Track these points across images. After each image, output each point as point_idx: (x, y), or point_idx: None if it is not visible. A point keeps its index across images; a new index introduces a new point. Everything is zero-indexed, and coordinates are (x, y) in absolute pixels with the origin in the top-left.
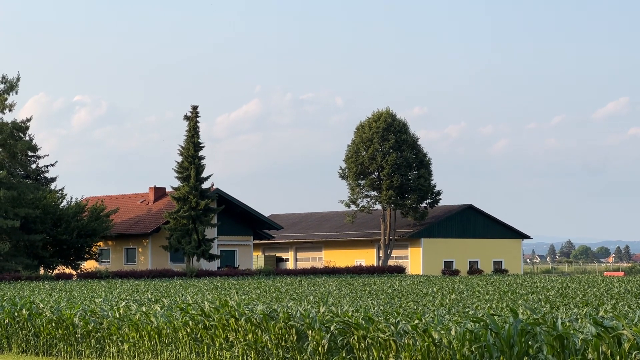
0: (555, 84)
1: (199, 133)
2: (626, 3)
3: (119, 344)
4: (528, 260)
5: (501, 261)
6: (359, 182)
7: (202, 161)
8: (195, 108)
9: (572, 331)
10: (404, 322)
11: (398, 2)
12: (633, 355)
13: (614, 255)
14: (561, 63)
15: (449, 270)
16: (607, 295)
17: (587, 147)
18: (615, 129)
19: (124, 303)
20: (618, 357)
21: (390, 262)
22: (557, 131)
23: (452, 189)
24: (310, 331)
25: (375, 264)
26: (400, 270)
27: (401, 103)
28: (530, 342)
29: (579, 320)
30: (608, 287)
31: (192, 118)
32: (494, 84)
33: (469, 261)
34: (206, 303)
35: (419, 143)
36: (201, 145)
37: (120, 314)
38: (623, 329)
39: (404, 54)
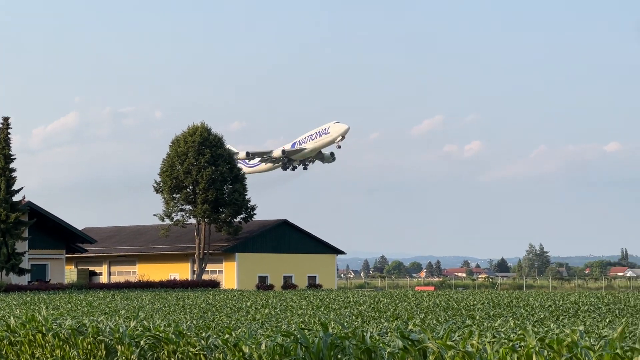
0: (373, 99)
1: (10, 145)
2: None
3: None
4: (342, 275)
5: (315, 276)
6: (174, 195)
7: (13, 173)
8: (6, 119)
9: (380, 345)
10: (214, 336)
11: (213, 17)
12: None
13: (425, 270)
14: (378, 80)
15: (263, 284)
16: (417, 309)
17: (404, 164)
18: (429, 146)
19: None
20: None
21: (205, 277)
22: (375, 147)
23: (268, 204)
24: (119, 346)
25: (189, 278)
26: (214, 284)
27: (221, 117)
28: (339, 356)
29: (389, 333)
30: (418, 302)
31: (3, 130)
32: (311, 99)
33: (284, 276)
34: (12, 318)
35: (234, 157)
36: (12, 157)
37: None
38: (428, 342)
39: (220, 67)
